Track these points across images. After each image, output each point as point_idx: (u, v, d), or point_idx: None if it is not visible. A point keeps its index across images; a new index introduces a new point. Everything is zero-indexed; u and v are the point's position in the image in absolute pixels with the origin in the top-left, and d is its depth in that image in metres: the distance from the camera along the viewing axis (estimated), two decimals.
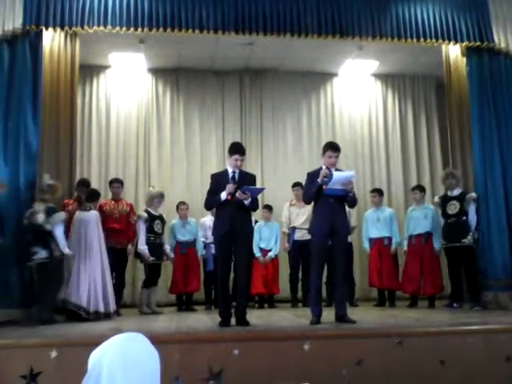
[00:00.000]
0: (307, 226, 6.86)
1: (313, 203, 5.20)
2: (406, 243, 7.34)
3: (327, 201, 5.03)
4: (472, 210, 6.78)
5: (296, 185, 7.74)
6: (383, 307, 7.27)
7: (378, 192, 7.84)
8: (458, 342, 4.09)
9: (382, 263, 7.41)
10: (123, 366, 1.51)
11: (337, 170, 5.18)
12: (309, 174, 5.27)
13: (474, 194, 6.83)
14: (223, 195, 4.98)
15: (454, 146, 7.56)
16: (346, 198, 5.11)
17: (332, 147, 5.20)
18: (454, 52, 7.56)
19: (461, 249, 6.73)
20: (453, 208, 6.85)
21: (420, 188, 7.61)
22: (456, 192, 6.95)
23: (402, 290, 7.40)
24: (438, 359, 3.96)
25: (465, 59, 7.39)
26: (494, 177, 6.86)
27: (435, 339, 4.11)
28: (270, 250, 7.66)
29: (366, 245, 7.62)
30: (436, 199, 7.30)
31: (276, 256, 7.70)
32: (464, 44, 7.22)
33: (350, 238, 7.48)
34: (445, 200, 7.00)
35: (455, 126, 7.52)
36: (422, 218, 7.20)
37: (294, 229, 7.61)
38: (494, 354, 4.05)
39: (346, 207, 5.29)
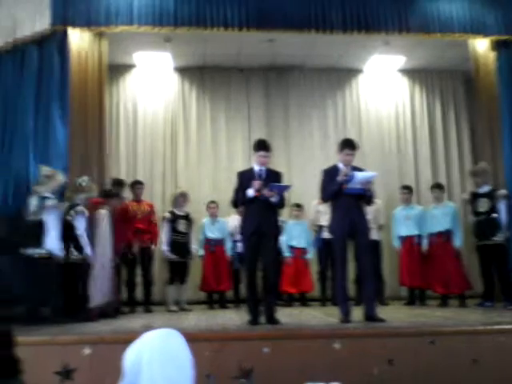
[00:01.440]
0: None
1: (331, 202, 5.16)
2: (425, 242, 7.23)
3: (345, 199, 4.97)
4: (503, 207, 6.66)
5: None
6: (413, 306, 7.19)
7: (408, 189, 7.76)
8: (491, 342, 4.02)
9: (412, 261, 7.31)
10: (162, 362, 1.53)
11: (354, 167, 5.10)
12: (325, 172, 5.22)
13: (504, 191, 6.71)
14: (250, 192, 4.98)
15: (484, 143, 7.44)
16: (364, 195, 5.05)
17: (350, 145, 5.13)
18: (482, 46, 7.42)
19: (492, 247, 6.63)
20: (482, 205, 6.74)
21: (439, 186, 7.51)
22: (486, 189, 6.83)
23: (432, 289, 7.30)
24: (471, 358, 3.91)
25: (493, 53, 7.27)
26: None
27: (467, 338, 4.05)
28: (301, 249, 7.64)
29: (396, 243, 7.54)
30: (465, 196, 7.21)
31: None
32: (492, 38, 7.10)
33: (378, 236, 7.47)
34: (474, 197, 6.90)
35: (485, 122, 7.40)
36: (441, 216, 7.09)
37: (321, 227, 7.57)
38: None
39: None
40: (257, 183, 4.94)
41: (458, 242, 6.98)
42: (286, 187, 5.17)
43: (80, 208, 5.71)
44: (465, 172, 9.11)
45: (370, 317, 4.87)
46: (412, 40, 7.69)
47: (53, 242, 5.45)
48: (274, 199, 4.97)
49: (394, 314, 5.68)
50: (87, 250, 5.71)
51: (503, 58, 7.18)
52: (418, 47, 8.39)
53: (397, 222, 7.55)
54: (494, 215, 6.66)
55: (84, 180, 6.00)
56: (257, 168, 5.17)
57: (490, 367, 3.90)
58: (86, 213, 5.82)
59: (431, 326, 4.58)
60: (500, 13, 7.08)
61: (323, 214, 7.60)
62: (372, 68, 9.31)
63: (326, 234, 7.46)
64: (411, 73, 9.52)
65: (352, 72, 9.44)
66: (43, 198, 5.60)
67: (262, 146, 5.19)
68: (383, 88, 9.50)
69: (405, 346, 3.95)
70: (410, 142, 9.35)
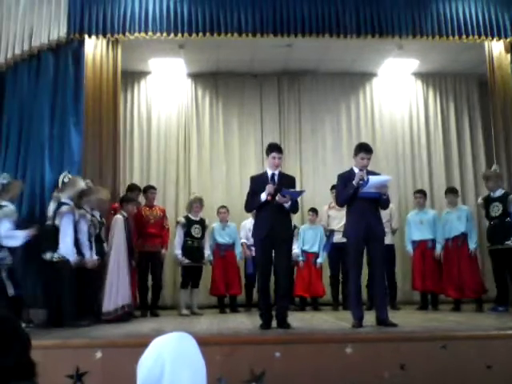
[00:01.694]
0: None
1: (346, 205, 5.15)
2: (439, 247, 7.16)
3: (361, 203, 4.96)
4: None
5: (334, 187, 7.71)
6: (426, 311, 7.13)
7: (422, 193, 7.72)
8: (505, 347, 3.98)
9: (425, 266, 7.25)
10: (182, 365, 1.55)
11: (369, 172, 5.10)
12: (340, 176, 5.22)
13: None
14: (263, 196, 4.98)
15: (499, 146, 7.37)
16: (379, 200, 5.04)
17: (365, 149, 5.13)
18: (497, 48, 7.37)
19: (505, 251, 6.55)
20: (496, 210, 6.67)
21: (453, 191, 7.44)
22: (498, 193, 6.75)
23: (445, 293, 7.23)
24: (485, 364, 3.87)
25: (509, 56, 7.21)
26: None
27: (481, 343, 4.01)
28: (313, 253, 7.64)
29: (409, 247, 7.47)
30: (479, 201, 7.13)
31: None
32: (508, 40, 7.05)
33: (391, 240, 7.43)
34: (488, 201, 6.83)
35: (500, 126, 7.33)
36: (456, 220, 7.03)
37: (332, 232, 7.55)
38: None
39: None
40: (270, 187, 4.95)
41: (472, 244, 6.89)
42: (300, 193, 5.17)
43: (65, 208, 5.65)
44: (479, 176, 8.99)
45: (383, 321, 4.85)
46: (426, 43, 7.64)
47: (67, 247, 5.50)
48: (287, 205, 4.99)
49: (407, 319, 5.64)
50: (86, 253, 5.73)
51: None
52: (432, 50, 8.35)
53: (410, 227, 7.50)
54: (508, 219, 6.58)
55: (87, 182, 6.05)
56: (270, 172, 5.18)
57: (504, 373, 3.85)
58: (74, 212, 5.76)
59: (443, 330, 4.55)
60: None
61: (333, 218, 7.61)
62: (386, 72, 9.28)
63: (336, 239, 7.46)
64: (425, 76, 9.47)
65: (365, 76, 9.42)
66: (60, 204, 5.66)
67: (274, 147, 5.23)
68: (397, 92, 9.46)
69: (417, 350, 3.93)
70: (424, 146, 9.28)
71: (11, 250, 5.37)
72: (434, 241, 7.26)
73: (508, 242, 6.51)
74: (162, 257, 7.32)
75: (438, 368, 3.85)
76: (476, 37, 6.99)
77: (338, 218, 7.59)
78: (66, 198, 5.73)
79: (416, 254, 7.38)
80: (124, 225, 6.28)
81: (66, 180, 5.99)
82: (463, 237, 6.96)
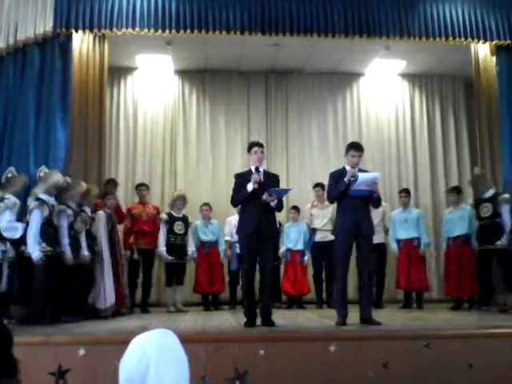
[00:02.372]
0: (329, 228, 6.89)
1: (336, 203, 5.18)
2: (444, 245, 7.25)
3: (351, 201, 5.00)
4: (506, 211, 6.58)
5: (317, 185, 7.76)
6: (410, 309, 7.18)
7: (407, 192, 7.79)
8: (487, 345, 4.02)
9: (411, 264, 7.32)
10: (167, 361, 1.54)
11: (360, 170, 5.14)
12: (332, 174, 5.26)
13: (506, 196, 6.65)
14: (250, 186, 4.98)
15: (483, 147, 7.44)
16: (371, 198, 5.08)
17: (355, 147, 5.19)
18: (482, 51, 7.45)
19: (493, 251, 6.57)
20: (486, 210, 6.69)
21: (457, 190, 7.46)
22: (488, 194, 6.79)
23: (446, 293, 7.31)
24: (466, 362, 3.91)
25: (494, 58, 7.28)
26: None
27: (463, 342, 4.06)
28: (298, 251, 7.65)
29: (394, 246, 7.53)
30: (470, 201, 7.13)
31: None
32: (493, 43, 7.13)
33: (383, 239, 7.56)
34: (478, 202, 6.86)
35: (484, 127, 7.40)
36: (458, 220, 7.07)
37: (314, 230, 7.58)
38: None
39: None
40: (255, 176, 4.97)
41: (476, 244, 6.93)
42: (286, 191, 5.17)
43: (32, 204, 5.54)
44: (463, 177, 9.14)
45: (367, 319, 4.88)
46: (413, 44, 7.70)
47: (30, 243, 5.39)
48: (273, 203, 4.99)
49: (391, 317, 5.69)
50: (66, 249, 5.66)
51: (504, 63, 7.20)
52: (419, 52, 8.40)
53: (395, 225, 7.56)
54: (497, 220, 6.59)
55: (41, 170, 6.01)
56: (254, 168, 5.19)
57: (485, 371, 3.90)
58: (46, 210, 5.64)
59: (427, 329, 4.57)
60: (501, 17, 7.09)
61: (316, 217, 7.64)
62: (373, 72, 9.33)
63: (318, 238, 7.50)
64: (412, 77, 9.53)
65: (353, 76, 9.45)
66: (37, 199, 5.58)
67: (254, 143, 5.27)
68: (383, 92, 9.51)
69: (400, 349, 3.96)
70: (410, 147, 9.35)
71: (14, 243, 5.39)
72: (419, 239, 7.32)
73: (498, 243, 6.51)
74: (154, 254, 7.31)
75: (420, 366, 3.88)
76: (462, 39, 7.06)
77: (321, 217, 7.64)
78: (43, 193, 5.63)
79: (401, 252, 7.44)
80: (106, 221, 6.25)
81: (41, 174, 5.96)
82: (466, 237, 7.00)
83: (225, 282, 7.65)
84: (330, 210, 7.41)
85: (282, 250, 7.59)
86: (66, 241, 5.66)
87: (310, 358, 3.88)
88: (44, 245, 5.41)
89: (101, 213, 6.23)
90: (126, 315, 6.54)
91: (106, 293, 5.91)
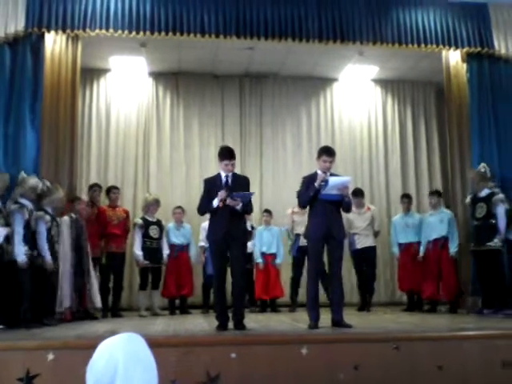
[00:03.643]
0: None
1: (308, 208, 5.20)
2: (422, 249, 7.28)
3: (323, 205, 5.03)
4: (500, 211, 6.44)
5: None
6: (412, 312, 7.25)
7: (408, 197, 7.90)
8: (456, 348, 4.08)
9: (410, 268, 7.44)
10: (135, 364, 1.54)
11: (332, 174, 5.18)
12: (304, 179, 5.27)
13: (501, 196, 6.52)
14: (215, 202, 4.97)
15: (453, 153, 7.55)
16: (342, 202, 5.11)
17: (327, 152, 5.19)
18: (454, 58, 7.57)
19: (487, 252, 6.43)
20: (480, 210, 6.57)
21: (437, 193, 7.54)
22: (483, 193, 6.63)
23: (422, 295, 7.36)
24: (436, 364, 3.96)
25: (465, 65, 7.42)
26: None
27: (433, 344, 4.10)
28: (271, 255, 7.66)
29: (395, 250, 7.66)
30: (467, 200, 6.94)
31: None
32: (464, 50, 7.27)
33: (373, 242, 7.73)
34: (474, 202, 6.74)
35: (454, 133, 7.52)
36: (438, 223, 7.13)
37: (298, 235, 7.60)
38: (491, 359, 4.04)
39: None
40: (222, 194, 4.92)
41: (453, 248, 6.97)
42: (249, 195, 5.16)
43: (13, 206, 5.45)
44: (433, 182, 9.31)
45: (338, 322, 4.91)
46: (386, 50, 7.81)
47: (17, 247, 5.33)
48: (238, 207, 4.98)
49: (365, 320, 5.75)
50: (46, 254, 5.59)
51: (474, 70, 7.35)
52: (392, 58, 8.52)
53: (396, 230, 7.67)
54: (491, 221, 6.47)
55: (20, 174, 5.89)
56: (223, 174, 5.17)
57: (454, 373, 3.96)
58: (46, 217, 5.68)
59: (397, 331, 4.63)
60: (472, 26, 7.23)
61: (297, 223, 7.65)
62: (346, 77, 9.42)
63: (302, 242, 7.53)
64: (384, 83, 9.65)
65: (327, 81, 9.53)
66: (15, 203, 5.49)
67: (225, 154, 5.16)
68: (356, 97, 9.60)
69: (370, 351, 3.99)
70: (382, 151, 9.46)
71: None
72: (418, 243, 7.40)
73: (490, 244, 6.40)
74: (125, 258, 7.29)
75: (390, 369, 3.91)
76: (434, 46, 7.18)
77: (303, 223, 7.65)
78: (20, 197, 5.56)
79: (402, 256, 7.59)
80: (71, 225, 6.19)
81: (20, 178, 5.87)
82: (444, 240, 7.06)
83: (194, 287, 7.61)
84: None
85: (256, 253, 7.57)
86: (45, 246, 5.60)
87: (281, 362, 3.88)
88: (26, 248, 5.37)
89: (65, 218, 6.16)
90: (98, 319, 6.48)
91: (63, 296, 5.84)
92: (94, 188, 7.35)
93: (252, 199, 5.22)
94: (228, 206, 4.92)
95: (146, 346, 1.62)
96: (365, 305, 7.58)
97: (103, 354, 1.56)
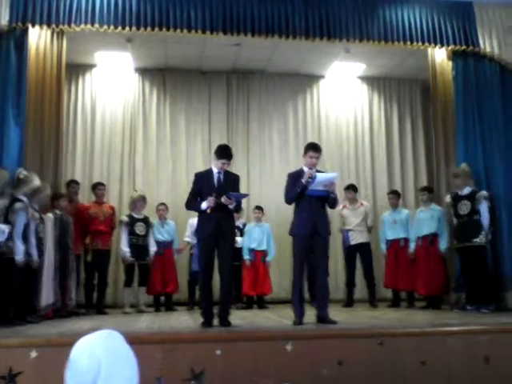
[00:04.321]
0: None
1: (294, 204, 5.21)
2: (412, 245, 7.31)
3: (308, 201, 5.05)
4: (484, 208, 6.51)
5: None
6: (398, 308, 7.31)
7: (395, 194, 7.94)
8: (439, 343, 4.11)
9: (398, 264, 7.48)
10: (117, 361, 1.53)
11: (318, 171, 5.20)
12: (290, 175, 5.29)
13: (484, 192, 6.58)
14: (204, 205, 4.97)
15: (439, 150, 7.58)
16: (328, 198, 5.13)
17: (313, 148, 5.22)
18: (439, 56, 7.61)
19: (472, 249, 6.47)
20: (464, 208, 6.60)
21: (428, 189, 7.56)
22: (466, 191, 6.67)
23: (416, 291, 7.39)
24: (419, 360, 3.99)
25: (450, 63, 7.46)
26: (478, 181, 6.88)
27: (416, 340, 4.14)
28: (261, 251, 7.66)
29: (383, 246, 7.71)
30: (448, 199, 6.97)
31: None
32: (450, 48, 7.29)
33: (368, 238, 7.76)
34: (456, 199, 6.76)
35: (440, 130, 7.56)
36: (428, 219, 7.15)
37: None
38: (474, 354, 4.08)
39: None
40: (211, 200, 4.90)
41: (443, 245, 7.00)
42: (244, 195, 5.19)
43: (19, 204, 5.39)
44: (419, 179, 9.37)
45: (323, 318, 4.93)
46: (372, 48, 7.83)
47: (17, 245, 5.28)
48: (231, 206, 4.99)
49: (350, 316, 5.77)
50: (34, 252, 5.56)
51: (460, 68, 7.37)
52: (378, 55, 8.55)
53: (385, 226, 7.73)
54: (476, 217, 6.52)
55: (20, 172, 5.77)
56: (215, 170, 5.17)
57: (437, 368, 3.99)
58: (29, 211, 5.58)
59: (380, 327, 4.65)
60: (457, 23, 7.26)
61: None
62: (333, 74, 9.44)
63: None
64: (371, 80, 9.69)
65: (313, 78, 9.55)
66: (15, 200, 5.41)
67: (225, 154, 5.15)
68: (343, 94, 9.63)
69: (355, 347, 4.01)
70: (368, 148, 9.51)
71: None
72: (406, 239, 7.45)
73: (476, 240, 6.44)
74: (110, 255, 7.27)
75: (374, 364, 3.94)
76: (420, 43, 7.19)
77: None
78: (21, 195, 5.50)
79: (389, 252, 7.63)
80: (55, 222, 6.15)
81: (21, 176, 5.73)
82: (433, 236, 7.08)
83: (178, 283, 7.61)
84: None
85: (244, 250, 7.56)
86: (33, 243, 5.56)
87: (266, 358, 3.89)
88: (25, 247, 5.36)
89: (49, 215, 6.11)
90: (82, 316, 6.45)
91: (43, 293, 5.78)
92: (71, 185, 7.26)
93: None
94: (219, 204, 4.91)
95: (126, 343, 1.61)
96: (351, 301, 7.60)
97: (83, 352, 1.55)
